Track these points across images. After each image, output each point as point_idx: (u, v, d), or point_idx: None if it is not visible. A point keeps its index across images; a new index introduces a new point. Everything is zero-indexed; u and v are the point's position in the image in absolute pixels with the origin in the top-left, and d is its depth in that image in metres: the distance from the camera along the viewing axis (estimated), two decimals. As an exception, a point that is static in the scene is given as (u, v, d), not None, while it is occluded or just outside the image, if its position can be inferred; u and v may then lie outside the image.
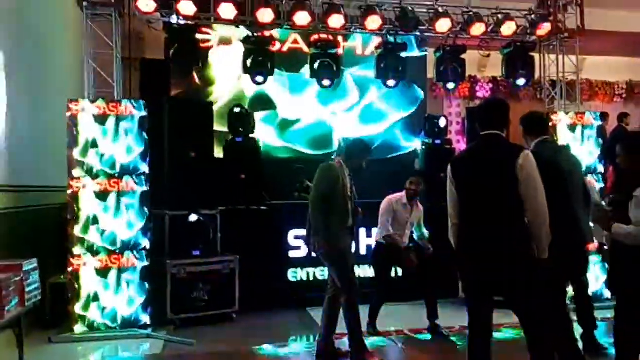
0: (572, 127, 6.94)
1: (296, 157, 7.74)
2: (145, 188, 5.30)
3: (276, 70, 6.66)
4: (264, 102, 8.08)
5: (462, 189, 3.17)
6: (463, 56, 7.12)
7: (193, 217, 5.67)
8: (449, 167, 3.26)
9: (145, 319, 5.26)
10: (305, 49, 7.72)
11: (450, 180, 3.22)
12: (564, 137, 6.98)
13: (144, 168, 5.33)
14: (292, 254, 6.31)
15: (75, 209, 5.15)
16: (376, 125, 8.43)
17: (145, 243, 5.29)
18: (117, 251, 5.21)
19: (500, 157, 3.10)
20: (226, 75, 7.99)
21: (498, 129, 3.16)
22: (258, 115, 7.68)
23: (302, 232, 6.14)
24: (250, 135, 6.49)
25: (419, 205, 5.51)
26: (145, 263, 5.28)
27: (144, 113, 5.39)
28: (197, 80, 7.89)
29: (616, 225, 3.24)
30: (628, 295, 3.31)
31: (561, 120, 6.92)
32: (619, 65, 10.51)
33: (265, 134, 7.88)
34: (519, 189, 2.98)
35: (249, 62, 6.37)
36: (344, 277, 4.29)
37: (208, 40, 7.85)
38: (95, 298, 5.15)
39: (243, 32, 6.73)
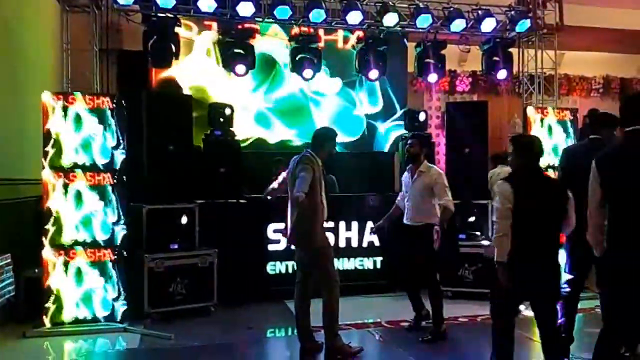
0: (561, 122, 7.01)
1: (279, 151, 7.70)
2: (123, 182, 5.27)
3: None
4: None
5: (608, 188, 3.09)
6: (443, 51, 7.18)
7: (170, 219, 5.62)
8: (593, 163, 3.14)
9: (122, 313, 5.25)
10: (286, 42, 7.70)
11: (595, 178, 3.12)
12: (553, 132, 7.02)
13: (122, 162, 5.29)
14: (271, 247, 6.31)
15: (51, 202, 5.11)
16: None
17: (123, 237, 5.27)
18: (94, 245, 5.18)
19: None
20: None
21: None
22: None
23: (281, 225, 6.21)
24: (232, 130, 6.48)
25: (424, 171, 4.86)
26: (123, 257, 5.26)
27: (122, 106, 5.35)
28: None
29: None
30: None
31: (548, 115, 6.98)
32: (596, 61, 10.65)
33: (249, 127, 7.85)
34: None
35: (228, 54, 6.36)
36: (329, 271, 4.38)
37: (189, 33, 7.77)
38: (71, 292, 5.12)
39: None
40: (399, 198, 5.17)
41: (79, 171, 5.16)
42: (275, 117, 8.42)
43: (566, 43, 7.93)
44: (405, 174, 5.08)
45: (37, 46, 6.31)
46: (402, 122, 8.01)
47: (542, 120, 6.83)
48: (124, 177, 5.29)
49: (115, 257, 5.24)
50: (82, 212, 5.17)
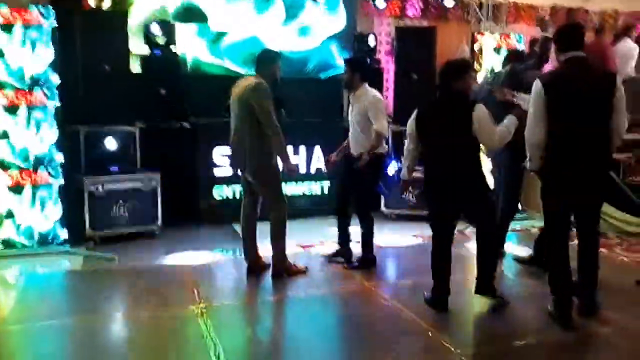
0: (497, 50, 7.13)
1: (227, 74, 7.37)
2: (56, 101, 5.05)
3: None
4: (192, 13, 7.57)
5: (554, 108, 3.31)
6: (393, -28, 7.00)
7: (110, 141, 5.44)
8: (539, 84, 3.34)
9: (63, 236, 5.17)
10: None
11: (541, 98, 3.33)
12: (489, 59, 7.18)
13: (55, 80, 5.04)
14: (217, 171, 6.25)
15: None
16: (310, 41, 8.21)
17: (60, 159, 5.10)
18: (30, 167, 5.00)
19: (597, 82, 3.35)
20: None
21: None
22: (188, 28, 7.24)
23: (228, 149, 6.11)
24: (173, 50, 6.18)
25: (359, 95, 4.53)
26: (60, 179, 5.11)
27: (53, 22, 5.04)
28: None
29: None
30: None
31: (486, 42, 7.07)
32: (544, -10, 10.64)
33: (194, 48, 7.48)
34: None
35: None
36: (278, 195, 4.37)
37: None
38: (9, 215, 4.98)
39: None
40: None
41: (9, 89, 4.92)
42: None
43: (516, -31, 7.88)
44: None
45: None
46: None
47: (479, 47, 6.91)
48: (58, 97, 5.04)
49: (53, 179, 5.08)
50: (15, 132, 4.96)
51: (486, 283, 3.73)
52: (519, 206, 5.20)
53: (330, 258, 4.91)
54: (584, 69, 3.41)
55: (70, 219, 5.20)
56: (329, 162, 4.96)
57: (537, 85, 3.37)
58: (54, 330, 3.49)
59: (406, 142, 3.84)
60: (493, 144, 3.61)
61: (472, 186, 3.60)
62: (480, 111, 3.53)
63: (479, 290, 3.75)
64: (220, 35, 7.76)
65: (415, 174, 4.07)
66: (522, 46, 7.45)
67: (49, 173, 5.07)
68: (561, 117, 3.32)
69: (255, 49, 7.71)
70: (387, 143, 4.92)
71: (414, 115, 3.76)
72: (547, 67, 4.96)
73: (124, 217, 5.40)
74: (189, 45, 7.19)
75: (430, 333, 3.40)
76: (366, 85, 4.60)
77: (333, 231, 5.03)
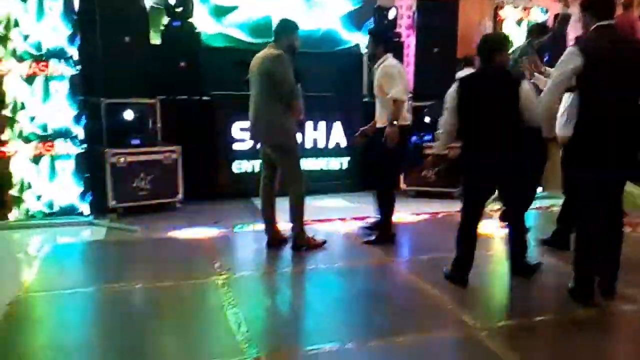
0: (519, 22, 6.99)
1: (236, 46, 7.30)
2: (75, 72, 5.04)
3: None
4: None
5: (594, 78, 3.20)
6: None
7: (130, 114, 5.44)
8: (577, 49, 3.22)
9: (84, 207, 5.23)
10: None
11: (574, 62, 3.20)
12: (510, 32, 7.03)
13: (73, 51, 5.04)
14: (237, 146, 6.25)
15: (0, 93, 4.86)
16: (321, 14, 8.05)
17: (79, 130, 5.13)
18: (49, 138, 5.04)
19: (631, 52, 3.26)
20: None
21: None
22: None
23: (247, 124, 6.09)
24: (189, 20, 6.13)
25: (376, 68, 4.50)
26: (80, 151, 5.14)
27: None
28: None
29: None
30: None
31: (508, 15, 6.94)
32: (571, -38, 10.34)
33: (200, 19, 7.36)
34: None
35: None
36: (297, 168, 4.35)
37: None
38: (30, 186, 5.04)
39: None
40: None
41: (27, 60, 4.94)
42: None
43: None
44: None
45: None
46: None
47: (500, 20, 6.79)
48: (78, 68, 5.04)
49: (73, 150, 5.12)
50: (34, 103, 4.98)
51: (522, 263, 3.75)
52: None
53: (364, 229, 4.95)
54: (617, 38, 3.30)
55: (93, 190, 5.24)
56: (357, 136, 4.90)
57: (574, 49, 3.25)
58: (78, 299, 3.55)
59: (444, 115, 3.72)
60: (537, 119, 3.54)
61: (512, 161, 3.53)
62: (527, 86, 3.51)
63: (516, 271, 3.76)
64: (230, 8, 7.60)
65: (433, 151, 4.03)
66: (546, 17, 7.29)
67: (69, 144, 5.10)
68: (595, 86, 3.22)
69: (267, 22, 7.64)
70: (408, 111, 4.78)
71: (454, 88, 3.62)
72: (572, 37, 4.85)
73: (146, 189, 5.44)
74: (199, 17, 7.05)
75: (449, 307, 3.40)
76: (389, 56, 4.55)
77: (351, 206, 5.02)
